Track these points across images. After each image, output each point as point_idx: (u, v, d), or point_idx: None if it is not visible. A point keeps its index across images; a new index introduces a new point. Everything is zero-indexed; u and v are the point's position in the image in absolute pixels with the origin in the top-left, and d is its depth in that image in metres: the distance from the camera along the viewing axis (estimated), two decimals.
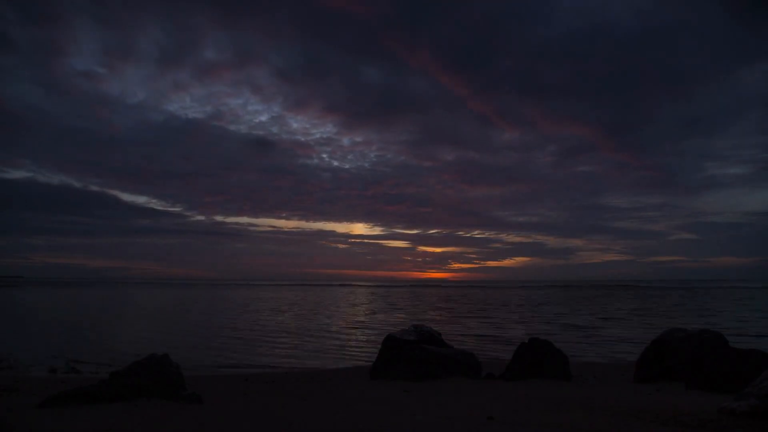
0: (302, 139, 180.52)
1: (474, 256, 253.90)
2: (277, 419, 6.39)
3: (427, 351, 10.91)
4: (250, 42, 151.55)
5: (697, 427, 5.91)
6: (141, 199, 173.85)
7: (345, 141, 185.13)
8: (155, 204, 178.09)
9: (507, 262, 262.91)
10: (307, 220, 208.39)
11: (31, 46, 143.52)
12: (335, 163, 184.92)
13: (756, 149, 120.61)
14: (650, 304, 43.57)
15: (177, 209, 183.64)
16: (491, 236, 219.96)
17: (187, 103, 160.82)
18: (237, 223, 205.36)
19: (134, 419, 6.29)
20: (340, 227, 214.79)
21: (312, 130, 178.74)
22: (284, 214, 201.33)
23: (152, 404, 7.34)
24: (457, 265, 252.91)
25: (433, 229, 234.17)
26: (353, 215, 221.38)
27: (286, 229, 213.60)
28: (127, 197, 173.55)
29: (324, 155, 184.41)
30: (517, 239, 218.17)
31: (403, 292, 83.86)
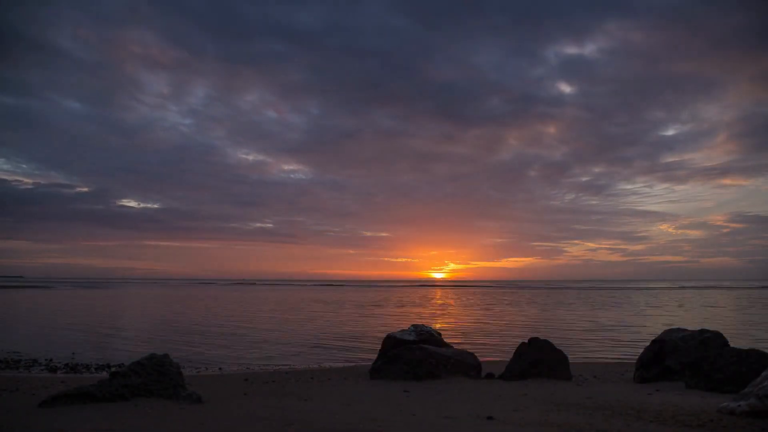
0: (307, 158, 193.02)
1: (468, 256, 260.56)
2: (277, 419, 6.39)
3: (427, 351, 10.91)
4: (270, 94, 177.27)
5: (697, 427, 5.91)
6: (153, 205, 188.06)
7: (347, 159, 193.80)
8: (162, 209, 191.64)
9: (503, 263, 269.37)
10: (304, 225, 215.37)
11: (90, 90, 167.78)
12: (330, 176, 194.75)
13: (720, 166, 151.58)
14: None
15: (185, 214, 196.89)
16: (486, 238, 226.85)
17: (208, 133, 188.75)
18: (237, 226, 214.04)
19: (134, 419, 6.29)
20: (339, 231, 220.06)
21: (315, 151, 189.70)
22: (281, 219, 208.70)
23: (152, 404, 7.33)
24: (453, 265, 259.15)
25: (429, 231, 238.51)
26: (351, 221, 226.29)
27: (286, 232, 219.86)
28: (139, 204, 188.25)
29: (328, 173, 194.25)
30: (512, 241, 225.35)
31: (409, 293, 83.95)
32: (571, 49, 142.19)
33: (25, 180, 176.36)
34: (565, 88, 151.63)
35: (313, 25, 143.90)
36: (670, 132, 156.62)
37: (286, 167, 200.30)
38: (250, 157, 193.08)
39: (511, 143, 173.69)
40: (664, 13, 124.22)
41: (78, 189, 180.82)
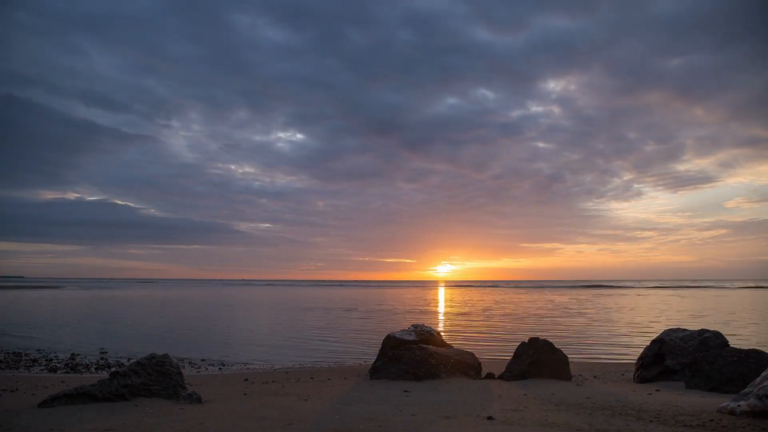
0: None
1: (464, 258, 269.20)
2: (277, 419, 6.40)
3: (427, 351, 10.91)
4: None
5: (697, 427, 5.91)
6: (166, 213, 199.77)
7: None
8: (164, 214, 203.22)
9: (499, 264, 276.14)
10: (305, 229, 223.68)
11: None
12: (331, 186, 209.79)
13: (700, 176, 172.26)
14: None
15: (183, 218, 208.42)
16: (482, 240, 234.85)
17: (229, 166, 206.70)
18: (241, 230, 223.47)
19: (134, 419, 6.29)
20: (337, 233, 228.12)
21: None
22: (284, 224, 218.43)
23: (152, 404, 7.34)
24: (450, 266, 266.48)
25: (426, 235, 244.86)
26: (349, 225, 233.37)
27: (288, 236, 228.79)
28: (156, 211, 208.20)
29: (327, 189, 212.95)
30: (507, 243, 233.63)
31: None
32: (554, 85, 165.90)
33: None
34: (552, 115, 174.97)
35: (326, 73, 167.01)
36: (650, 148, 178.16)
37: (289, 178, 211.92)
38: (257, 171, 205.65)
39: (505, 159, 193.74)
40: (629, 66, 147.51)
41: (106, 200, 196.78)
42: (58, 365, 13.70)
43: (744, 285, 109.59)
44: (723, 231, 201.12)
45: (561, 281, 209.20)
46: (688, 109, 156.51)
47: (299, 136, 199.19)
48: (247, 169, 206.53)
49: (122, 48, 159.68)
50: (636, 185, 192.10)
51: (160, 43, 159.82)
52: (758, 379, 6.58)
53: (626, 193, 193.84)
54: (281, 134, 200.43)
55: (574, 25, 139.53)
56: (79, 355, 15.65)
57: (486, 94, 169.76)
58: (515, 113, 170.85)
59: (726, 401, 6.69)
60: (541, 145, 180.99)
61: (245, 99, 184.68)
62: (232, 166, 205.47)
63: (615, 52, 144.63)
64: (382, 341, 12.34)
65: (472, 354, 11.53)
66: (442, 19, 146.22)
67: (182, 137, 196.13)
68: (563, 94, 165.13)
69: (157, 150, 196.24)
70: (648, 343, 11.14)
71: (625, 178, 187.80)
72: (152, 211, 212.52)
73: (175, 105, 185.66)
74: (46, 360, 14.57)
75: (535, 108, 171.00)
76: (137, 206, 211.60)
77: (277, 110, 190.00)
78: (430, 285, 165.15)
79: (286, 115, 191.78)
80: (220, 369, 13.72)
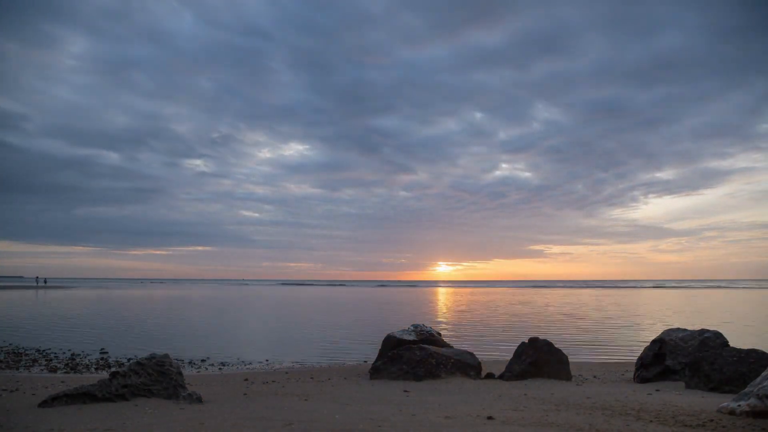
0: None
1: (460, 258, 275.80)
2: (277, 419, 6.39)
3: (427, 351, 10.92)
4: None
5: (697, 427, 5.91)
6: (162, 215, 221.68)
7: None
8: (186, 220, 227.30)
9: (494, 263, 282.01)
10: (306, 230, 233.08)
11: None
12: (334, 194, 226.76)
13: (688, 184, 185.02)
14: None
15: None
16: (478, 241, 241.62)
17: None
18: (242, 231, 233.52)
19: (134, 419, 6.29)
20: (337, 236, 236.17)
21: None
22: (288, 226, 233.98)
23: (152, 404, 7.34)
24: (446, 265, 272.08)
25: (423, 238, 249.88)
26: (349, 228, 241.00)
27: (289, 238, 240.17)
28: (168, 217, 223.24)
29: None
30: (503, 244, 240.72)
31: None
32: (546, 110, 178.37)
33: None
34: (545, 133, 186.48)
35: (333, 101, 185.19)
36: (639, 161, 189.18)
37: (291, 186, 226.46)
38: (262, 179, 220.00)
39: (501, 170, 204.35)
40: (618, 92, 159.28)
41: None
42: (58, 365, 13.70)
43: (735, 285, 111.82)
44: (713, 233, 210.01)
45: (559, 282, 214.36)
46: (669, 129, 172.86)
47: (304, 152, 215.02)
48: (253, 178, 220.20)
49: (158, 84, 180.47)
50: (629, 193, 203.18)
51: (191, 78, 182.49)
52: (758, 379, 6.58)
53: (620, 198, 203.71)
54: (287, 149, 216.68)
55: (562, 63, 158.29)
56: (79, 355, 15.67)
57: (483, 116, 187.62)
58: (511, 131, 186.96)
59: (726, 401, 6.69)
60: (536, 157, 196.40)
61: (258, 122, 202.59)
62: (239, 176, 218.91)
63: (600, 85, 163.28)
64: (382, 341, 12.35)
65: (472, 354, 11.54)
66: (439, 60, 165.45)
67: (200, 153, 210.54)
68: (554, 118, 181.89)
69: (175, 168, 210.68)
70: (648, 343, 11.16)
71: (620, 186, 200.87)
72: (155, 214, 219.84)
73: (193, 124, 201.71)
74: (46, 360, 14.57)
75: (530, 128, 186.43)
76: (143, 210, 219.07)
77: (286, 130, 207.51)
78: (427, 285, 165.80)
79: (292, 135, 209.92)
80: (220, 369, 13.72)
